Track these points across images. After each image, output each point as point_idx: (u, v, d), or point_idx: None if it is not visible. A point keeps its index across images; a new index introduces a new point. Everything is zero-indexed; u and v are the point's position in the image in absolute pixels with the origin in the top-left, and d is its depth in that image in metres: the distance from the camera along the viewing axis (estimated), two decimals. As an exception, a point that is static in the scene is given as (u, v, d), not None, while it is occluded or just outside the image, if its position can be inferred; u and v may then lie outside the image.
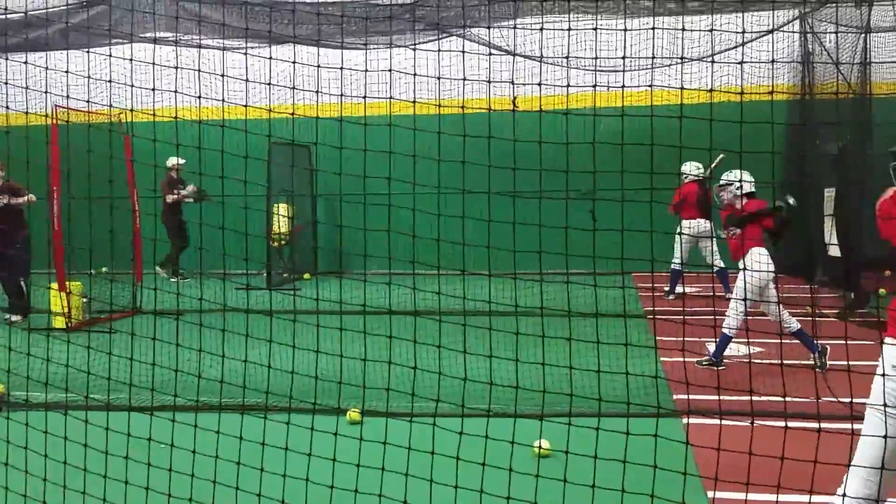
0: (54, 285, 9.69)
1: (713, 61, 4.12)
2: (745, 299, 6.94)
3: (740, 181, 7.41)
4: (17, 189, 10.00)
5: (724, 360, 7.37)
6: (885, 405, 2.96)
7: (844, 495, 3.18)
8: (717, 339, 7.39)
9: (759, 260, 7.07)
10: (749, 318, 7.26)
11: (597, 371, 3.73)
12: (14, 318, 10.06)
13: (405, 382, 4.60)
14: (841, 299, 10.66)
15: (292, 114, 4.64)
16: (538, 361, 3.82)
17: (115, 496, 3.89)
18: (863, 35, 10.49)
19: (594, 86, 3.74)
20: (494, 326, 3.92)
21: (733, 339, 7.41)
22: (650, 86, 3.72)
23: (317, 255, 14.78)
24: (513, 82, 3.72)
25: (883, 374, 2.96)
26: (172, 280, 13.63)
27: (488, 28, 9.16)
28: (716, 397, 5.80)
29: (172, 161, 13.51)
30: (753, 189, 7.53)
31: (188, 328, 4.34)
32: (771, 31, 10.56)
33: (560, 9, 9.39)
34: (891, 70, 10.77)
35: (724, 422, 3.73)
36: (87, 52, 4.93)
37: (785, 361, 6.94)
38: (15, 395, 6.28)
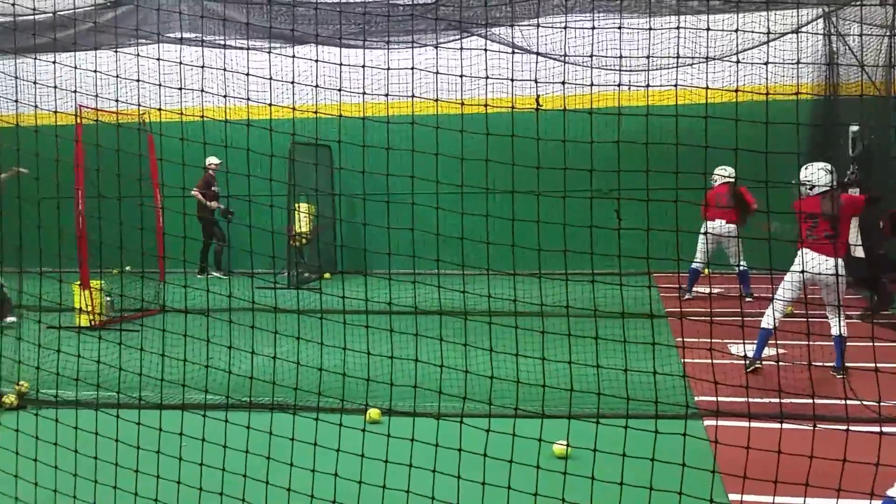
0: (77, 283, 9.79)
1: (738, 61, 4.11)
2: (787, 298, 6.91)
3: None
4: None
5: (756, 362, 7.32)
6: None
7: None
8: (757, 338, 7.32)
9: (804, 261, 7.02)
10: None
11: (624, 370, 3.72)
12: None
13: (430, 381, 4.62)
14: (865, 301, 10.57)
15: (315, 112, 4.67)
16: (565, 360, 3.83)
17: (147, 491, 3.93)
18: (887, 35, 10.39)
19: (618, 85, 3.74)
20: (512, 325, 3.93)
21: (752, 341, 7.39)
22: (675, 85, 3.72)
23: (337, 254, 14.82)
24: (536, 80, 3.72)
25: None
26: (199, 276, 13.76)
27: (510, 27, 9.15)
28: (739, 399, 5.77)
29: (210, 160, 13.66)
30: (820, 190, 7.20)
31: (214, 326, 4.38)
32: (788, 33, 10.48)
33: (582, 7, 9.37)
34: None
35: (750, 424, 3.72)
36: (114, 50, 4.99)
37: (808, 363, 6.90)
38: (43, 393, 6.36)
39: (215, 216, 14.27)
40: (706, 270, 11.39)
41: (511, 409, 3.93)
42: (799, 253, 7.09)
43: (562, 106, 3.63)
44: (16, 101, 4.76)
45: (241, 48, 9.64)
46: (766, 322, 7.15)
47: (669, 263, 3.99)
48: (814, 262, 6.94)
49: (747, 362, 7.23)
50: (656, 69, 9.35)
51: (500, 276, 4.25)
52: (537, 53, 5.03)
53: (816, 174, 7.19)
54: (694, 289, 11.34)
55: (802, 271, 6.92)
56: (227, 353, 4.28)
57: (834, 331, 7.00)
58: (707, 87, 3.63)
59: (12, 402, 6.44)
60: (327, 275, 14.12)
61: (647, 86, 3.57)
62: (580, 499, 3.57)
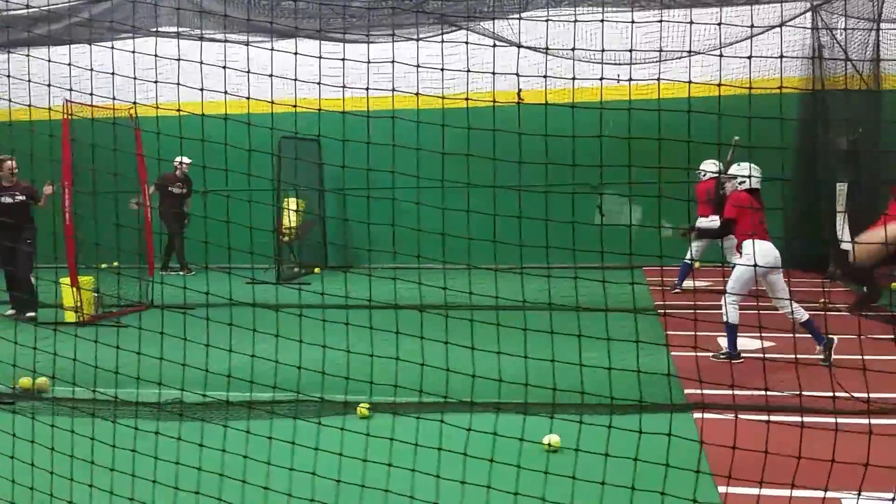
0: (65, 280, 9.70)
1: (721, 55, 4.07)
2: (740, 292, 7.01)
3: (739, 176, 7.51)
4: (32, 191, 9.98)
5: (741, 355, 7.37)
6: None
7: None
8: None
9: (748, 252, 7.08)
10: (760, 312, 7.22)
11: (608, 368, 3.69)
12: (10, 312, 9.93)
13: (413, 378, 4.58)
14: (853, 293, 10.58)
15: (304, 107, 4.61)
16: (548, 358, 3.80)
17: (122, 490, 3.89)
18: (874, 28, 10.38)
19: (601, 79, 3.70)
20: (500, 321, 3.89)
21: (742, 334, 7.42)
22: (658, 79, 3.68)
23: (326, 250, 14.76)
24: (518, 74, 3.68)
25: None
26: (180, 274, 13.68)
27: (492, 20, 9.10)
28: (727, 392, 5.76)
29: (178, 160, 13.55)
30: (758, 185, 7.52)
31: (199, 323, 4.33)
32: (781, 24, 10.46)
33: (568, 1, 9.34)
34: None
35: (736, 417, 3.70)
36: (101, 45, 4.91)
37: (797, 356, 6.90)
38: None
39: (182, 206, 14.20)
40: (696, 265, 11.36)
41: (493, 407, 3.90)
42: (744, 244, 7.23)
43: (543, 100, 3.59)
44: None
45: (234, 42, 9.57)
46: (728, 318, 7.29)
47: (655, 258, 3.96)
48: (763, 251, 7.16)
49: (723, 354, 7.38)
50: (639, 63, 9.32)
51: (482, 270, 4.21)
52: (518, 45, 4.98)
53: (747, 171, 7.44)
54: (684, 283, 11.33)
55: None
56: (209, 349, 4.23)
57: (801, 317, 7.13)
58: (689, 82, 3.60)
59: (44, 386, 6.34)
60: (317, 269, 14.04)
61: (630, 80, 3.53)
62: (562, 497, 3.55)
